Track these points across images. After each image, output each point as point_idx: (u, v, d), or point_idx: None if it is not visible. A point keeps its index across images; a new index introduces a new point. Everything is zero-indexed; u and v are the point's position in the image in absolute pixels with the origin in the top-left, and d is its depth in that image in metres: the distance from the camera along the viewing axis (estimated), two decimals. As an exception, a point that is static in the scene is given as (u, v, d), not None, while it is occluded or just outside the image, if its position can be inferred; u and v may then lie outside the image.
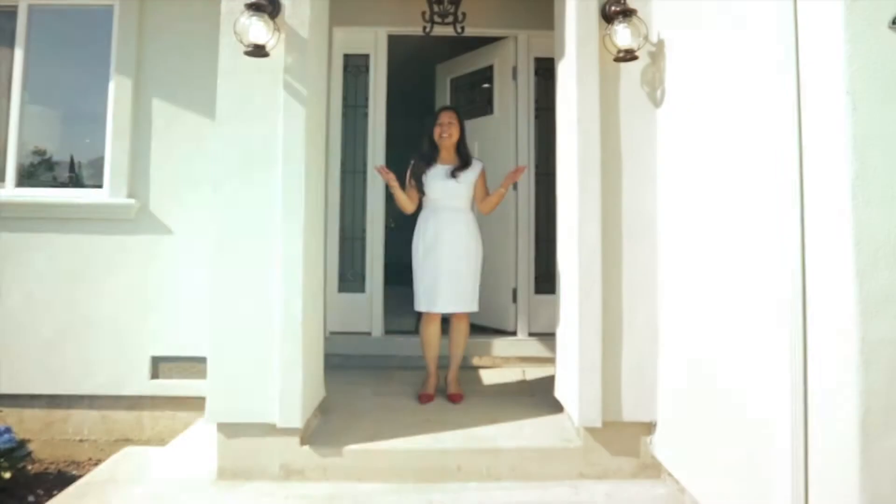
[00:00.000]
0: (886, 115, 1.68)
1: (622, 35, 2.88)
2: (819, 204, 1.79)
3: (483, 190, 3.86)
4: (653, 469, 2.98)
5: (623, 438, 2.99)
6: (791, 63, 1.89)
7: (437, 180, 3.76)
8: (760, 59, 2.05)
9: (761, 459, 2.02)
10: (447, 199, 3.76)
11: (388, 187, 4.78)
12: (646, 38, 2.92)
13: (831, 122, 1.74)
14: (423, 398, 3.72)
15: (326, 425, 3.27)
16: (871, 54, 1.69)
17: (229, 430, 2.98)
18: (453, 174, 3.75)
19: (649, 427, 2.99)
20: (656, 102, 3.00)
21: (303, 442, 2.99)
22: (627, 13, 2.88)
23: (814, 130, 1.82)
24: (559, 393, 3.35)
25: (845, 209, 1.67)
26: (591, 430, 2.98)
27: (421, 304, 3.78)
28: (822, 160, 1.78)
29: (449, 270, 3.69)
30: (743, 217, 2.20)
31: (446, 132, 3.79)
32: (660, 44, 2.96)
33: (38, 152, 4.40)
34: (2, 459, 3.41)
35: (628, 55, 2.90)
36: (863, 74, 1.69)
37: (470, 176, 3.79)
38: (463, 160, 3.81)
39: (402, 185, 3.84)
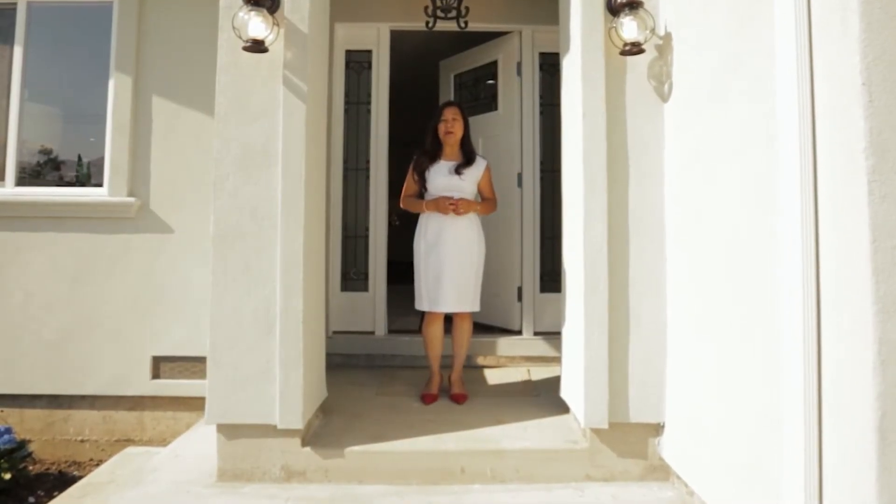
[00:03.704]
0: (904, 106, 1.62)
1: (628, 28, 2.82)
2: (834, 199, 1.73)
3: (488, 188, 3.82)
4: (661, 471, 2.92)
5: (630, 440, 2.94)
6: (804, 53, 1.82)
7: (440, 177, 3.71)
8: (772, 51, 1.98)
9: (773, 463, 1.96)
10: (450, 195, 3.67)
11: (391, 185, 4.78)
12: (653, 30, 2.86)
13: (846, 115, 1.67)
14: (427, 398, 3.67)
15: (328, 426, 3.23)
16: (887, 44, 1.63)
17: (229, 431, 2.95)
18: (457, 171, 3.70)
19: (657, 428, 2.93)
20: (663, 97, 2.94)
21: (304, 443, 2.96)
22: (634, 5, 2.82)
23: (828, 123, 1.75)
24: (565, 393, 3.30)
25: (861, 205, 1.61)
26: (597, 432, 2.93)
27: (423, 304, 3.73)
28: (837, 154, 1.72)
29: (451, 269, 3.64)
30: (754, 213, 2.14)
31: (451, 128, 3.72)
32: (667, 36, 2.90)
33: (45, 151, 4.38)
34: (2, 460, 3.40)
35: (635, 48, 2.84)
36: (879, 65, 1.63)
37: (474, 173, 3.74)
38: (466, 156, 3.76)
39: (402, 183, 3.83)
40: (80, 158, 4.43)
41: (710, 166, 2.49)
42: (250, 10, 2.78)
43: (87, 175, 4.36)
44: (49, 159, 4.41)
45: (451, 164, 3.73)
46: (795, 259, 1.82)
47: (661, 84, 2.94)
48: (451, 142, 3.75)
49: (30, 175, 4.32)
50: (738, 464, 2.23)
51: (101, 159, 4.22)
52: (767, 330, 2.02)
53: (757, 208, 2.11)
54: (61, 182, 4.39)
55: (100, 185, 4.20)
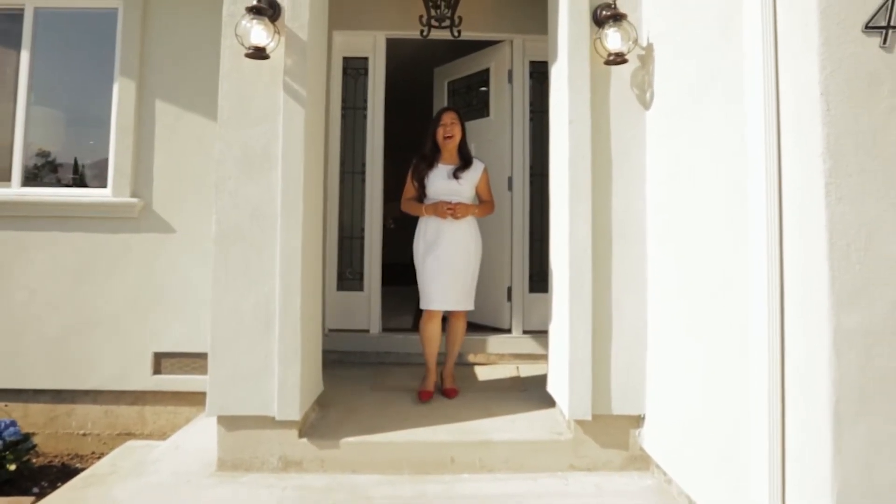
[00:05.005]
0: (859, 115, 1.76)
1: (612, 39, 2.95)
2: (796, 200, 1.87)
3: (485, 191, 3.89)
4: (641, 461, 3.05)
5: (612, 431, 3.06)
6: (771, 66, 1.96)
7: (439, 180, 3.78)
8: (742, 63, 2.12)
9: (743, 449, 2.09)
10: (449, 198, 3.75)
11: (387, 188, 4.89)
12: (635, 41, 2.99)
13: (807, 123, 1.81)
14: (423, 395, 3.73)
15: (324, 419, 3.34)
16: (845, 57, 1.77)
17: (229, 422, 3.05)
18: (455, 174, 3.78)
19: (638, 420, 3.06)
20: (646, 104, 3.07)
21: (301, 434, 3.06)
22: (617, 17, 2.95)
23: (791, 130, 1.89)
24: (551, 388, 3.42)
25: (819, 206, 1.75)
26: (581, 423, 3.05)
27: (422, 302, 3.80)
28: (799, 159, 1.85)
29: (449, 269, 3.71)
30: (728, 216, 2.27)
31: (449, 133, 3.80)
32: (649, 47, 3.04)
33: (42, 154, 4.48)
34: (6, 452, 3.49)
35: (618, 58, 2.97)
36: (837, 77, 1.77)
37: (472, 176, 3.82)
38: (464, 160, 3.84)
39: (403, 186, 3.93)
40: (76, 161, 4.51)
41: (690, 171, 2.62)
42: (252, 19, 2.89)
43: (91, 176, 4.45)
44: (49, 161, 4.50)
45: (450, 167, 3.81)
46: (762, 256, 1.96)
47: (644, 92, 3.07)
48: (450, 146, 3.82)
49: (35, 176, 4.42)
50: (712, 451, 2.36)
51: (104, 161, 4.33)
52: (741, 326, 2.14)
53: (731, 211, 2.24)
54: (64, 184, 4.48)
55: (103, 186, 4.30)
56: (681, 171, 2.72)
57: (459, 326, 3.94)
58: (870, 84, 1.76)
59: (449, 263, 3.72)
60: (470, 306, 3.86)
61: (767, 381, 1.91)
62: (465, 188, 3.79)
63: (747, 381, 2.06)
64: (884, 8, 1.76)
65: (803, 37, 1.83)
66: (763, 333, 1.94)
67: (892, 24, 1.75)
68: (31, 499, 3.21)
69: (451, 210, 3.68)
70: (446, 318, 3.95)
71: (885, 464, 1.69)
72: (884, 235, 1.73)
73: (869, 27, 1.77)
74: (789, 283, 1.88)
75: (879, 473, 1.69)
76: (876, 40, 1.77)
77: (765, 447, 1.92)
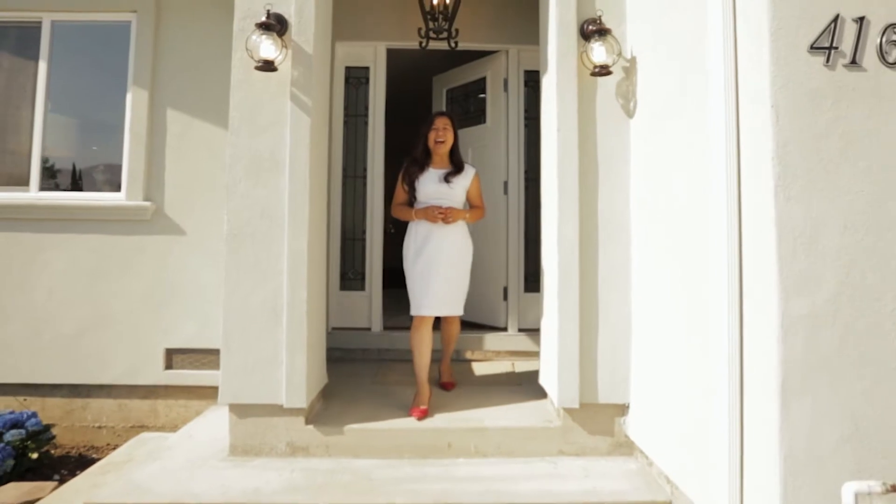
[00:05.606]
0: (804, 124, 1.97)
1: (598, 52, 3.17)
2: (752, 201, 2.08)
3: (476, 195, 3.89)
4: (626, 447, 3.25)
5: (599, 419, 3.26)
6: (731, 80, 2.18)
7: (429, 184, 3.75)
8: (707, 79, 2.33)
9: (710, 427, 2.29)
10: (439, 202, 3.72)
11: (387, 192, 5.09)
12: (619, 54, 3.21)
13: (760, 131, 2.03)
14: (416, 412, 3.44)
15: (329, 408, 3.54)
16: (792, 74, 1.99)
17: (240, 410, 3.25)
18: (446, 179, 3.75)
19: (623, 409, 3.26)
20: (629, 113, 3.28)
21: (307, 422, 3.27)
22: (603, 32, 3.17)
23: (748, 137, 2.11)
24: (542, 379, 3.61)
25: (769, 205, 1.97)
26: (569, 412, 3.25)
27: (412, 308, 3.73)
28: (755, 163, 2.07)
29: (440, 274, 3.68)
30: (696, 215, 2.48)
31: (441, 137, 3.77)
32: (632, 60, 3.25)
33: (58, 159, 4.68)
34: (29, 441, 3.69)
35: (603, 70, 3.18)
36: (785, 91, 1.99)
37: (463, 181, 3.79)
38: (455, 165, 3.81)
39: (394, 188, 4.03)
40: (91, 166, 4.71)
41: (665, 174, 2.84)
42: (262, 34, 3.11)
43: (105, 181, 4.64)
44: (65, 166, 4.69)
45: (441, 172, 3.77)
46: (723, 250, 2.17)
47: (628, 102, 3.28)
48: (442, 151, 3.79)
49: (51, 181, 4.63)
50: (684, 432, 2.57)
51: (117, 166, 4.53)
52: (706, 314, 2.34)
53: (701, 211, 2.44)
54: (79, 188, 4.68)
55: (117, 190, 4.51)
56: (660, 175, 2.93)
57: (453, 328, 4.00)
58: (814, 98, 1.97)
59: (439, 268, 3.68)
60: (459, 311, 3.83)
61: (727, 362, 2.12)
62: (456, 192, 3.76)
63: (712, 363, 2.26)
64: (827, 31, 1.98)
65: (758, 54, 2.05)
66: (724, 321, 2.15)
67: (834, 45, 1.97)
68: (54, 484, 3.41)
69: (442, 214, 3.66)
70: (440, 319, 3.90)
71: (826, 432, 1.90)
72: (827, 232, 1.94)
73: (814, 48, 1.98)
74: (747, 274, 2.10)
75: (821, 440, 1.90)
76: (820, 59, 1.99)
77: (725, 421, 2.13)
